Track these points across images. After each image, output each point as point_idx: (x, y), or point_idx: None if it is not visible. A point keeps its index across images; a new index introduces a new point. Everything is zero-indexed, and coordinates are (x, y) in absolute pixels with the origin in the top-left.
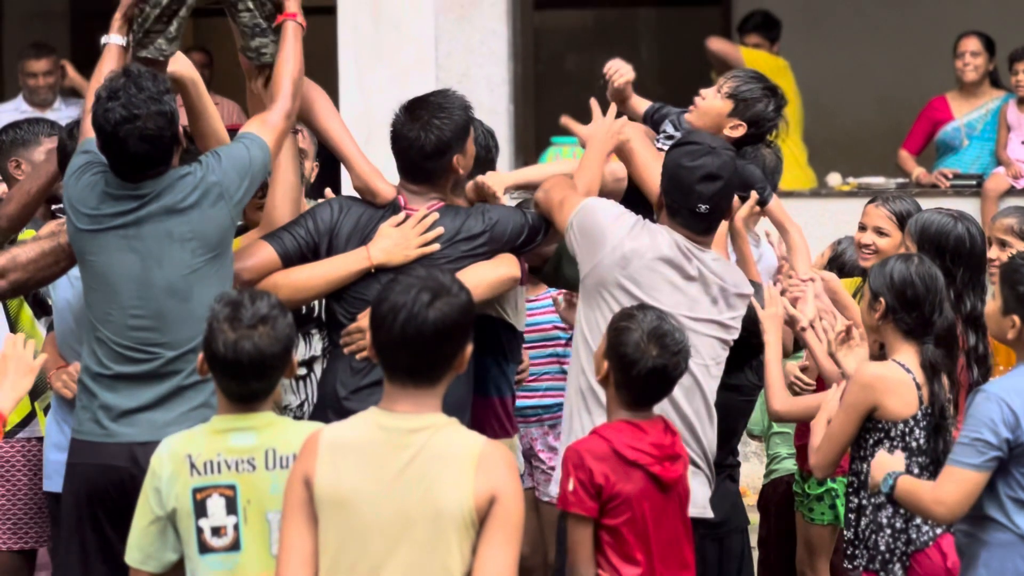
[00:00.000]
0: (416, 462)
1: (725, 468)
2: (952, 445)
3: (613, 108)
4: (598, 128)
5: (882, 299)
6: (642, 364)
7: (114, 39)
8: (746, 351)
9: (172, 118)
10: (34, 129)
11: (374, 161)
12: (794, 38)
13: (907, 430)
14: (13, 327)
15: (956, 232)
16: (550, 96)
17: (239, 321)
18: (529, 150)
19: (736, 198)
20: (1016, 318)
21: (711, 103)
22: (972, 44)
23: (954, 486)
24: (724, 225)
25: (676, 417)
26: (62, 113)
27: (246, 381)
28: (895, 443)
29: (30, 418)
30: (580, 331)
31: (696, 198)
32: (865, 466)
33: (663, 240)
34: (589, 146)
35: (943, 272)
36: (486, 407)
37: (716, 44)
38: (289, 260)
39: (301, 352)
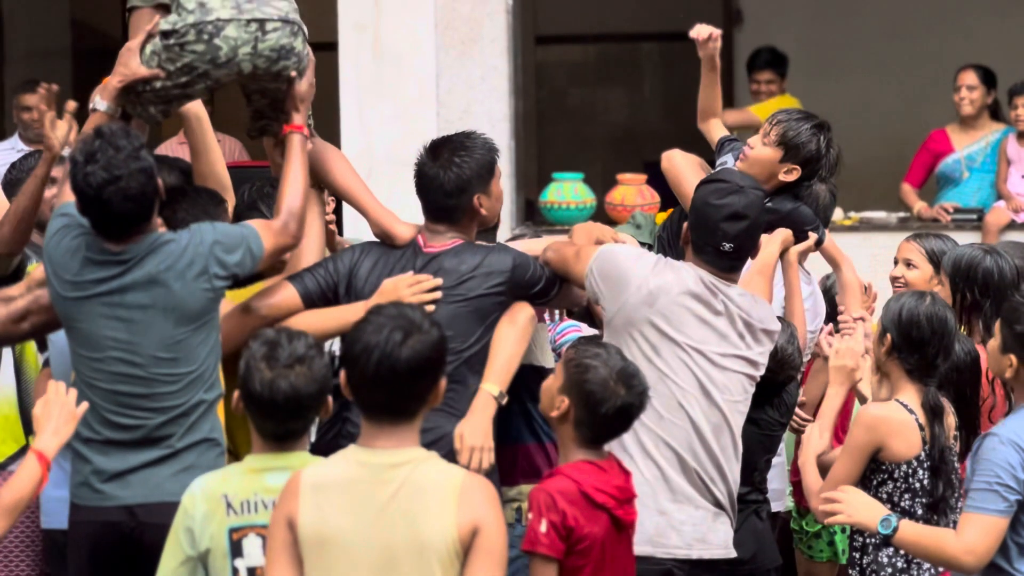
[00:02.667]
0: (398, 497)
1: (750, 504)
2: (952, 486)
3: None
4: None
5: (889, 335)
6: (610, 404)
7: (102, 106)
8: (769, 387)
9: (152, 173)
10: (27, 164)
11: (376, 196)
12: (797, 73)
13: (910, 471)
14: (18, 363)
15: (985, 265)
16: (552, 131)
17: (276, 360)
18: (531, 185)
19: (791, 235)
20: (1013, 357)
21: (760, 152)
22: (969, 78)
23: (982, 534)
24: (773, 258)
25: (704, 454)
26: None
27: (282, 420)
28: (898, 484)
29: (24, 451)
30: None
31: (721, 236)
32: None
33: (688, 275)
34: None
35: (972, 304)
36: (528, 453)
37: (731, 117)
38: (310, 300)
39: None
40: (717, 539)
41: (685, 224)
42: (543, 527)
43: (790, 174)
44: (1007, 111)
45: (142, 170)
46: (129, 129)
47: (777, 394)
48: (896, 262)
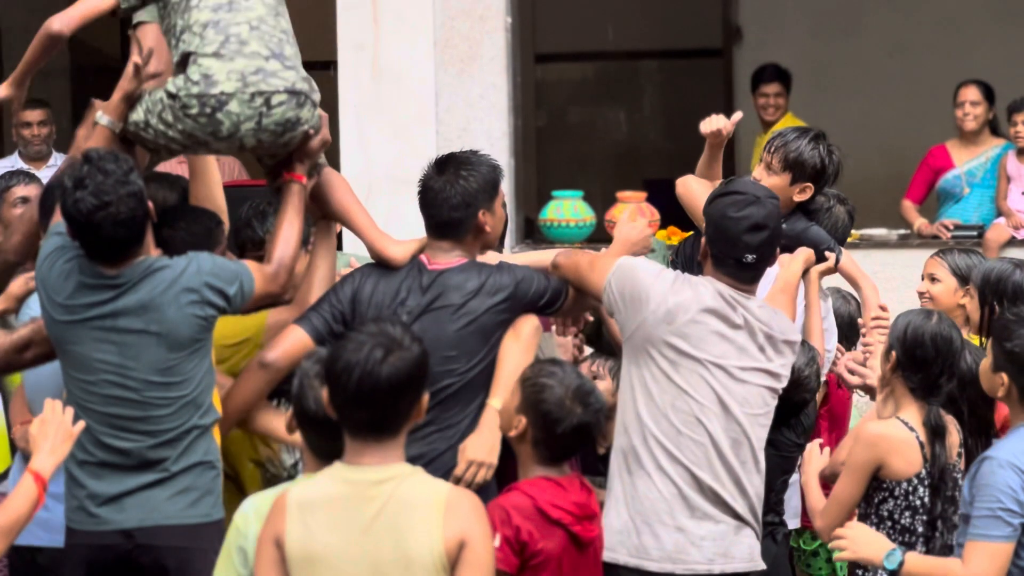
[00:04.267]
0: (384, 513)
1: (767, 525)
2: (953, 503)
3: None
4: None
5: (894, 352)
6: (567, 422)
7: (105, 121)
8: (785, 408)
9: (142, 197)
10: (7, 183)
11: (375, 215)
12: (796, 90)
13: (911, 488)
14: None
15: (1014, 278)
16: (551, 149)
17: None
18: (530, 204)
19: (813, 255)
20: (1005, 376)
21: (769, 183)
22: (972, 94)
23: (988, 561)
24: (796, 277)
25: (722, 469)
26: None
27: (336, 438)
28: (899, 501)
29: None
30: (626, 391)
31: (743, 248)
32: (869, 524)
33: (705, 291)
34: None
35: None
36: None
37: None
38: (321, 339)
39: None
40: (740, 552)
41: (703, 239)
42: (496, 541)
43: (804, 193)
44: (1006, 127)
45: (132, 194)
46: (118, 153)
47: (795, 415)
48: (922, 277)
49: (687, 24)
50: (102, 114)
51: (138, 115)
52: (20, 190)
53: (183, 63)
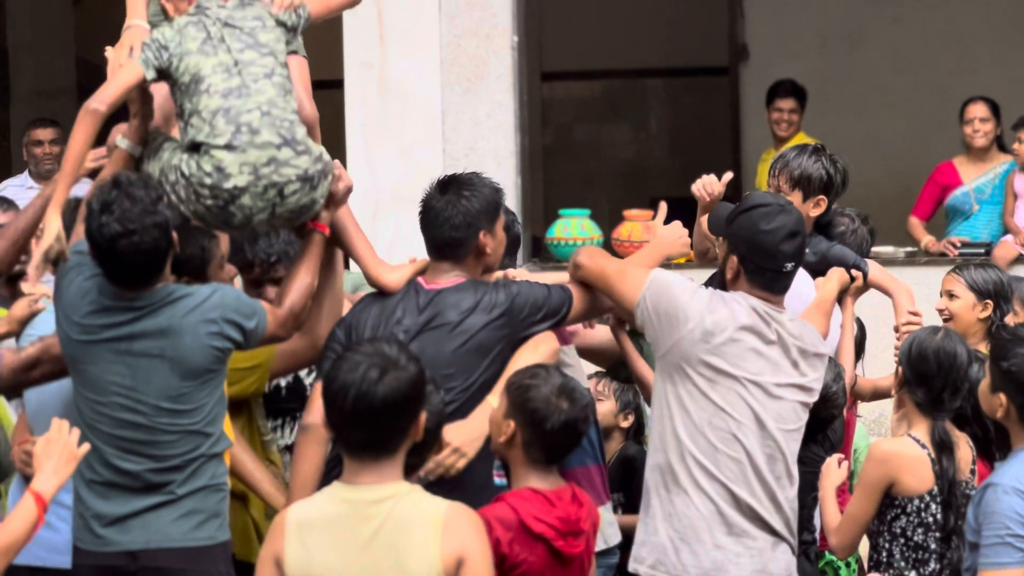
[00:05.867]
0: (382, 532)
1: (801, 544)
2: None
3: (678, 224)
4: (669, 234)
5: (900, 368)
6: (555, 419)
7: (125, 144)
8: (813, 424)
9: (167, 227)
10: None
11: (382, 234)
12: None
13: (923, 505)
14: None
15: None
16: (558, 167)
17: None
18: (537, 222)
19: (846, 275)
20: (1003, 396)
21: None
22: (980, 110)
23: None
24: (832, 295)
25: (759, 486)
26: (79, 188)
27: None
28: (911, 518)
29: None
30: (662, 408)
31: (783, 257)
32: (883, 541)
33: (740, 309)
34: (654, 246)
35: None
36: (589, 475)
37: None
38: None
39: (287, 435)
40: (778, 569)
41: (732, 257)
42: None
43: (819, 207)
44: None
45: (157, 225)
46: (149, 180)
47: (822, 430)
48: (940, 295)
49: (693, 42)
50: (122, 137)
51: (154, 170)
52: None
53: (193, 148)
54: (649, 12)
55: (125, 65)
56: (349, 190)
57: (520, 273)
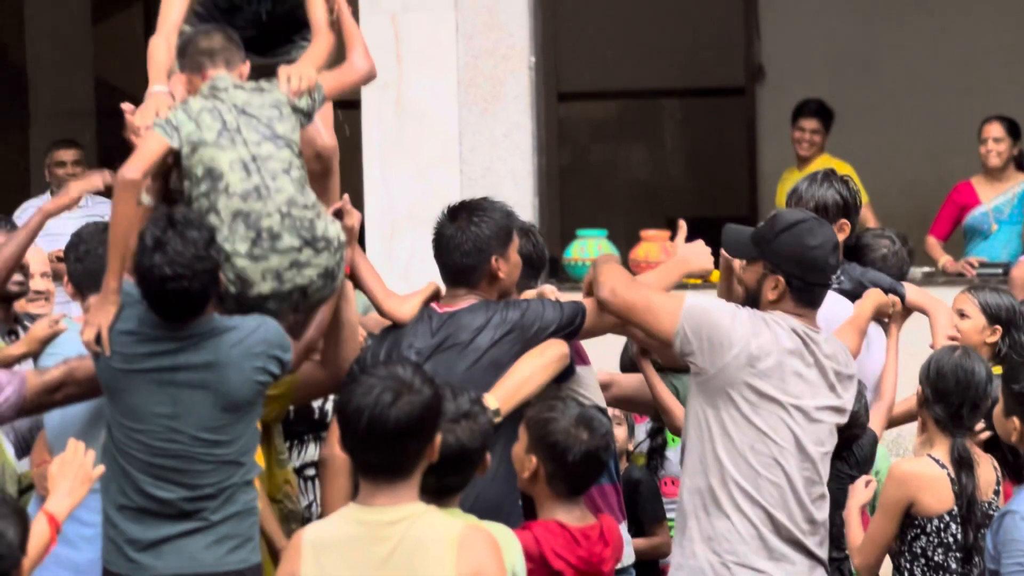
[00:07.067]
0: (398, 552)
1: (832, 562)
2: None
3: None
4: (691, 248)
5: (920, 387)
6: (576, 450)
7: (147, 200)
8: (839, 442)
9: (215, 272)
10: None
11: (399, 255)
12: None
13: (942, 525)
14: None
15: None
16: (574, 188)
17: (442, 415)
18: (554, 243)
19: (883, 295)
20: (1016, 420)
21: None
22: (995, 130)
23: None
24: (868, 314)
25: (797, 509)
26: (89, 210)
27: (444, 475)
28: (931, 538)
29: None
30: (701, 431)
31: (831, 270)
32: (904, 561)
33: (782, 331)
34: (674, 262)
35: None
36: (604, 494)
37: None
38: None
39: (295, 457)
40: None
41: (773, 280)
42: None
43: (843, 231)
44: None
45: (207, 271)
46: (201, 219)
47: (847, 447)
48: None
49: (709, 62)
50: (145, 194)
51: None
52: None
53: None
54: (665, 32)
55: (149, 136)
56: (357, 226)
57: (553, 291)
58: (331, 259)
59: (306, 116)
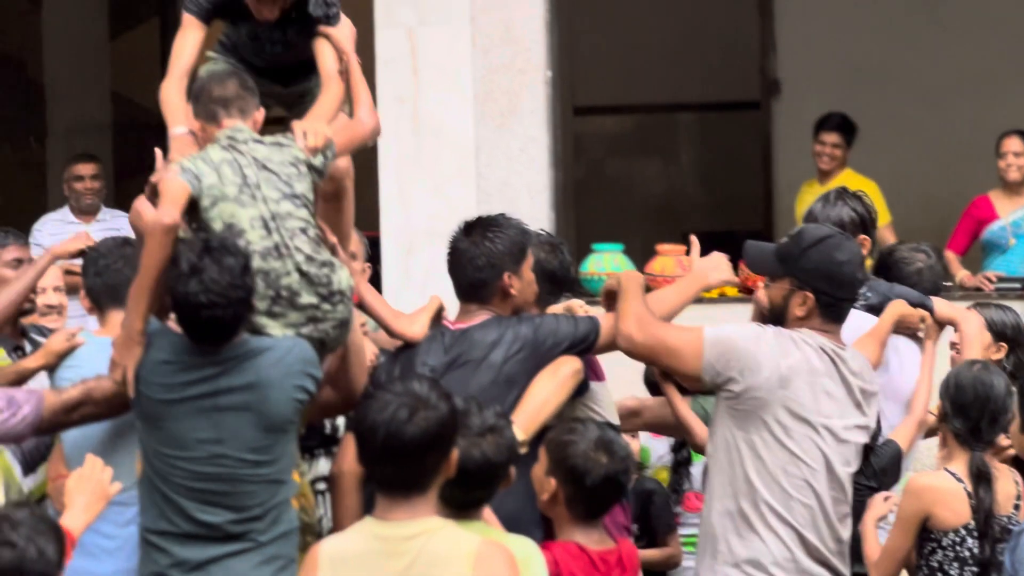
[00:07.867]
0: (414, 568)
1: None
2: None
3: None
4: (708, 261)
5: (940, 401)
6: (595, 473)
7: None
8: None
9: (249, 299)
10: (2, 241)
11: (415, 270)
12: None
13: (958, 539)
14: None
15: None
16: (590, 202)
17: (468, 429)
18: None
19: (907, 306)
20: None
21: None
22: (1015, 144)
23: None
24: (889, 324)
25: (826, 529)
26: (107, 224)
27: (470, 489)
28: (947, 552)
29: None
30: (731, 454)
31: (859, 286)
32: (920, 575)
33: (810, 350)
34: (692, 276)
35: None
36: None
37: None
38: None
39: (305, 470)
40: None
41: (801, 296)
42: None
43: (864, 246)
44: None
45: (242, 300)
46: (239, 247)
47: (864, 458)
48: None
49: (725, 77)
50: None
51: None
52: (13, 251)
53: None
54: (681, 47)
55: (173, 180)
56: (360, 254)
57: (581, 305)
58: (345, 310)
59: (319, 175)
